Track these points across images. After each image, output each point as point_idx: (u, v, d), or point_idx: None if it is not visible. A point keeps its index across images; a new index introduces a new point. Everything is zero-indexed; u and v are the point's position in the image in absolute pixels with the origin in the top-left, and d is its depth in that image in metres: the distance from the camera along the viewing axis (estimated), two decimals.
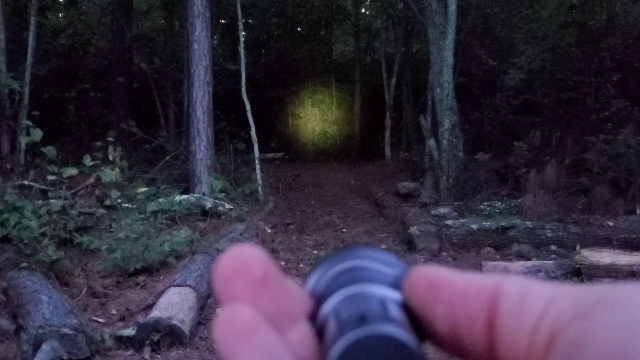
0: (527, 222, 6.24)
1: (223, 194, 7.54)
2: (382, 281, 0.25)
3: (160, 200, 6.58)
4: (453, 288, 0.24)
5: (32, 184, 6.29)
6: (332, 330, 0.23)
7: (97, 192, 6.35)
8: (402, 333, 0.22)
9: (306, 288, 0.26)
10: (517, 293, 0.23)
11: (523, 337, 0.22)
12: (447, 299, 0.24)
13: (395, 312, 0.24)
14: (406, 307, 0.24)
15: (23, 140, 6.86)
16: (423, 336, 0.24)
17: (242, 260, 0.24)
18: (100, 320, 3.98)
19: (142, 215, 5.92)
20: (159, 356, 3.48)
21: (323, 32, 18.80)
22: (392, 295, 0.25)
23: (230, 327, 0.22)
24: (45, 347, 3.17)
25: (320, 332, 0.24)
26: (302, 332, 0.24)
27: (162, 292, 4.11)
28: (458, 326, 0.23)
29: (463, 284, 0.24)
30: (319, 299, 0.25)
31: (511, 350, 0.22)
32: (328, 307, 0.25)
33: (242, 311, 0.23)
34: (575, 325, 0.21)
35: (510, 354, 0.22)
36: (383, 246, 6.23)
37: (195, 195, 7.22)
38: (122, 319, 3.99)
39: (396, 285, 0.25)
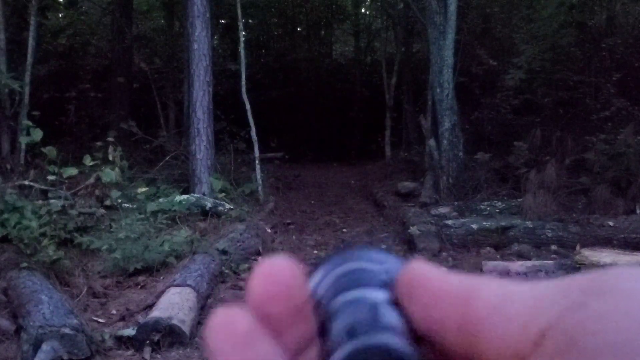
0: (527, 222, 6.24)
1: (223, 194, 7.54)
2: (376, 283, 0.24)
3: (161, 200, 6.58)
4: (428, 288, 0.23)
5: (32, 184, 6.29)
6: (327, 349, 0.23)
7: (97, 192, 6.35)
8: (392, 339, 0.21)
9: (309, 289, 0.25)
10: (494, 296, 0.22)
11: (507, 338, 0.21)
12: (422, 299, 0.23)
13: (388, 316, 0.23)
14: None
15: (23, 140, 6.86)
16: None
17: (281, 283, 0.22)
18: (100, 320, 3.98)
19: (142, 215, 5.92)
20: (159, 356, 3.48)
21: (323, 32, 18.81)
22: (385, 296, 0.24)
23: (225, 335, 0.21)
24: (45, 347, 3.17)
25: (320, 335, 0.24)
26: (313, 356, 0.23)
27: (162, 292, 4.11)
28: (432, 329, 0.22)
29: (438, 284, 0.23)
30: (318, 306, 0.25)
31: (497, 352, 0.21)
32: (329, 311, 0.24)
33: (240, 319, 0.21)
34: (564, 320, 0.20)
35: (497, 356, 0.21)
36: (383, 246, 6.23)
37: (196, 195, 7.22)
38: (122, 319, 3.99)
39: (391, 284, 0.25)
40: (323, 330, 0.24)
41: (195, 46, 7.80)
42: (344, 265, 0.25)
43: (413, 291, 0.23)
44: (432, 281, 0.23)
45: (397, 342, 0.21)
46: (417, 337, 0.23)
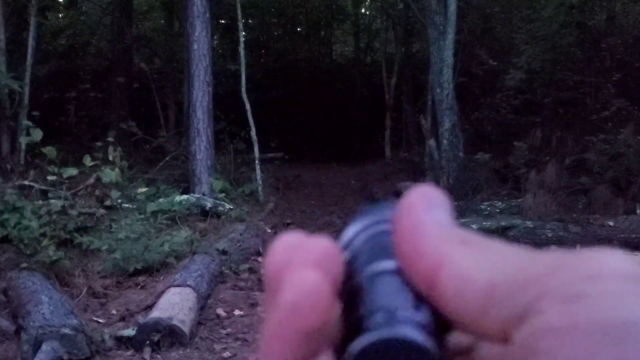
0: (527, 222, 6.24)
1: (223, 194, 7.53)
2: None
3: (160, 200, 6.58)
4: (405, 243, 0.22)
5: (32, 184, 6.29)
6: (358, 314, 0.22)
7: (97, 192, 6.35)
8: (413, 332, 0.21)
9: (341, 242, 0.24)
10: (453, 283, 0.20)
11: (470, 325, 0.20)
12: (399, 251, 0.22)
13: (409, 302, 0.22)
14: None
15: (23, 140, 6.85)
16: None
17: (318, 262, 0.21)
18: (100, 320, 3.98)
19: (142, 216, 5.92)
20: (159, 356, 3.48)
21: (323, 32, 18.81)
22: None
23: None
24: (45, 347, 3.17)
25: (346, 293, 0.23)
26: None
27: (162, 292, 4.11)
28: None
29: (414, 241, 0.21)
30: (351, 261, 0.23)
31: (464, 329, 0.21)
32: (359, 281, 0.23)
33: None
34: (522, 325, 0.18)
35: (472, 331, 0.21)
36: None
37: (195, 195, 7.21)
38: (122, 319, 3.99)
39: None
40: (347, 306, 0.23)
41: (195, 46, 7.79)
42: (375, 226, 0.24)
43: (397, 239, 0.22)
44: (412, 234, 0.22)
45: (418, 335, 0.21)
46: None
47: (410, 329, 0.21)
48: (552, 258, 0.19)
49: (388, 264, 0.23)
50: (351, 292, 0.22)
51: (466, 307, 0.20)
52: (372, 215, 0.25)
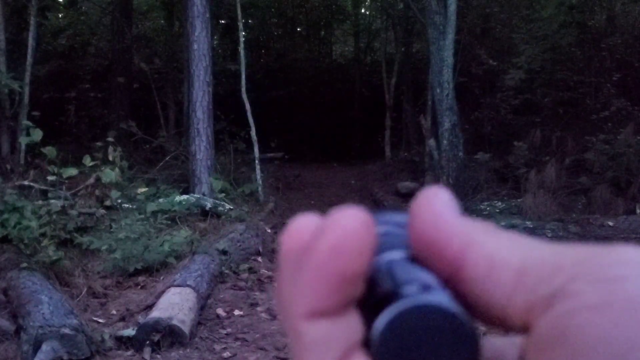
0: (527, 222, 6.24)
1: (223, 194, 7.53)
2: (401, 245, 0.23)
3: (160, 200, 6.58)
4: (426, 232, 0.22)
5: (32, 184, 6.28)
6: (386, 288, 0.21)
7: (97, 192, 6.35)
8: (442, 298, 0.20)
9: None
10: (483, 262, 0.20)
11: (495, 307, 0.20)
12: (419, 242, 0.22)
13: (424, 275, 0.22)
14: None
15: (23, 140, 6.86)
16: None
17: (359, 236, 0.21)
18: (100, 320, 3.98)
19: (142, 216, 5.92)
20: (159, 356, 3.48)
21: (323, 33, 18.82)
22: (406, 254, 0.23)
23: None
24: (45, 347, 3.17)
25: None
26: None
27: (162, 292, 4.11)
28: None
29: (435, 230, 0.22)
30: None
31: (486, 315, 0.21)
32: (383, 261, 0.22)
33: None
34: (553, 308, 0.18)
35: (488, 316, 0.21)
36: None
37: (195, 195, 7.21)
38: (122, 319, 3.99)
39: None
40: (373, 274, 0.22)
41: (195, 46, 7.79)
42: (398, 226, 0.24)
43: (413, 231, 0.22)
44: (434, 221, 0.22)
45: (456, 306, 0.20)
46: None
47: (448, 298, 0.21)
48: (580, 248, 0.20)
49: (398, 254, 0.23)
50: (367, 280, 0.22)
51: (494, 288, 0.20)
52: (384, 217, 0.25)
